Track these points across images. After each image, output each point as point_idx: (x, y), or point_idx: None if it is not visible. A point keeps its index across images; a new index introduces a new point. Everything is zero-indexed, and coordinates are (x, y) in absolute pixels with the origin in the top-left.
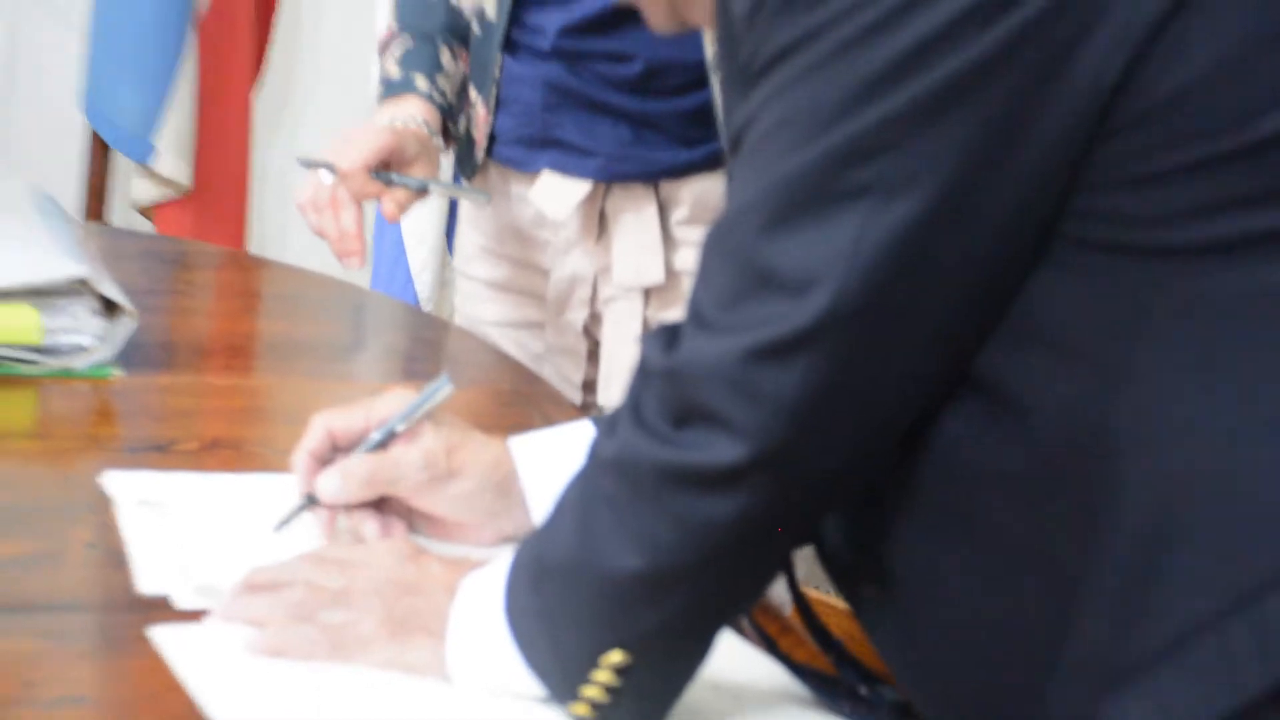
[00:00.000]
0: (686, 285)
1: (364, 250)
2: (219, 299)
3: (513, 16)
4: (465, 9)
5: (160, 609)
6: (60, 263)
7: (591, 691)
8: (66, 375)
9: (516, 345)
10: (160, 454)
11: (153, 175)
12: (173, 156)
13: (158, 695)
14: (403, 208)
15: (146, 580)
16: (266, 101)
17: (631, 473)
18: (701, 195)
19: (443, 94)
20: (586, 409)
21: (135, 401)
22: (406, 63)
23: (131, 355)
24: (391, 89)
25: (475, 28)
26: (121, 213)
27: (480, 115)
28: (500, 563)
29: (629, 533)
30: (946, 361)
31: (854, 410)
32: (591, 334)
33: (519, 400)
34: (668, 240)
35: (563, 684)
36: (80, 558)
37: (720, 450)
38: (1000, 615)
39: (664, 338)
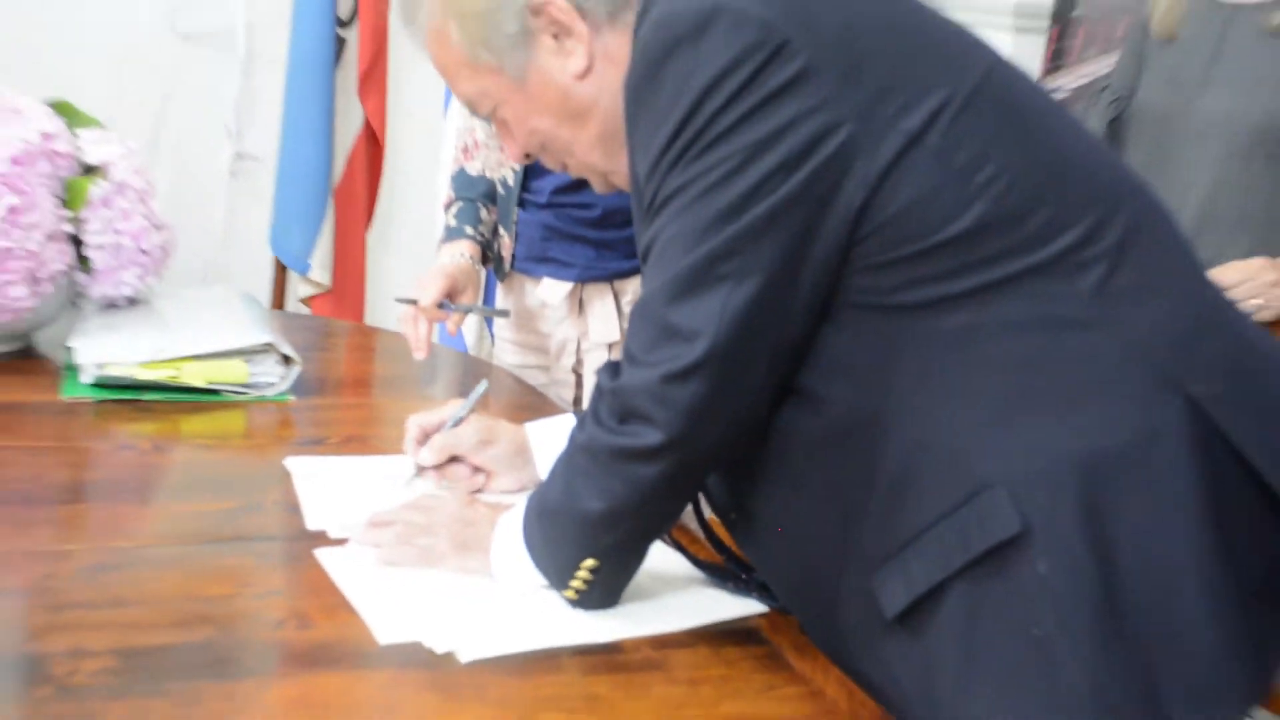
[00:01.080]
0: None
1: (429, 348)
2: (348, 352)
3: (522, 185)
4: (494, 180)
5: (320, 538)
6: (256, 333)
7: (575, 584)
8: (262, 400)
9: (529, 378)
10: (318, 446)
11: (309, 281)
12: (320, 270)
13: (325, 592)
14: (458, 324)
15: (312, 520)
16: (375, 235)
17: (594, 452)
18: (637, 286)
19: (482, 235)
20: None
21: (302, 415)
22: (460, 217)
23: (299, 387)
24: (451, 234)
25: (500, 190)
26: (292, 303)
27: (506, 244)
28: (520, 507)
29: (595, 488)
30: (779, 377)
31: (727, 410)
32: (577, 372)
33: (530, 408)
34: (620, 315)
35: (558, 579)
36: (272, 508)
37: (648, 437)
38: (811, 528)
39: (610, 369)
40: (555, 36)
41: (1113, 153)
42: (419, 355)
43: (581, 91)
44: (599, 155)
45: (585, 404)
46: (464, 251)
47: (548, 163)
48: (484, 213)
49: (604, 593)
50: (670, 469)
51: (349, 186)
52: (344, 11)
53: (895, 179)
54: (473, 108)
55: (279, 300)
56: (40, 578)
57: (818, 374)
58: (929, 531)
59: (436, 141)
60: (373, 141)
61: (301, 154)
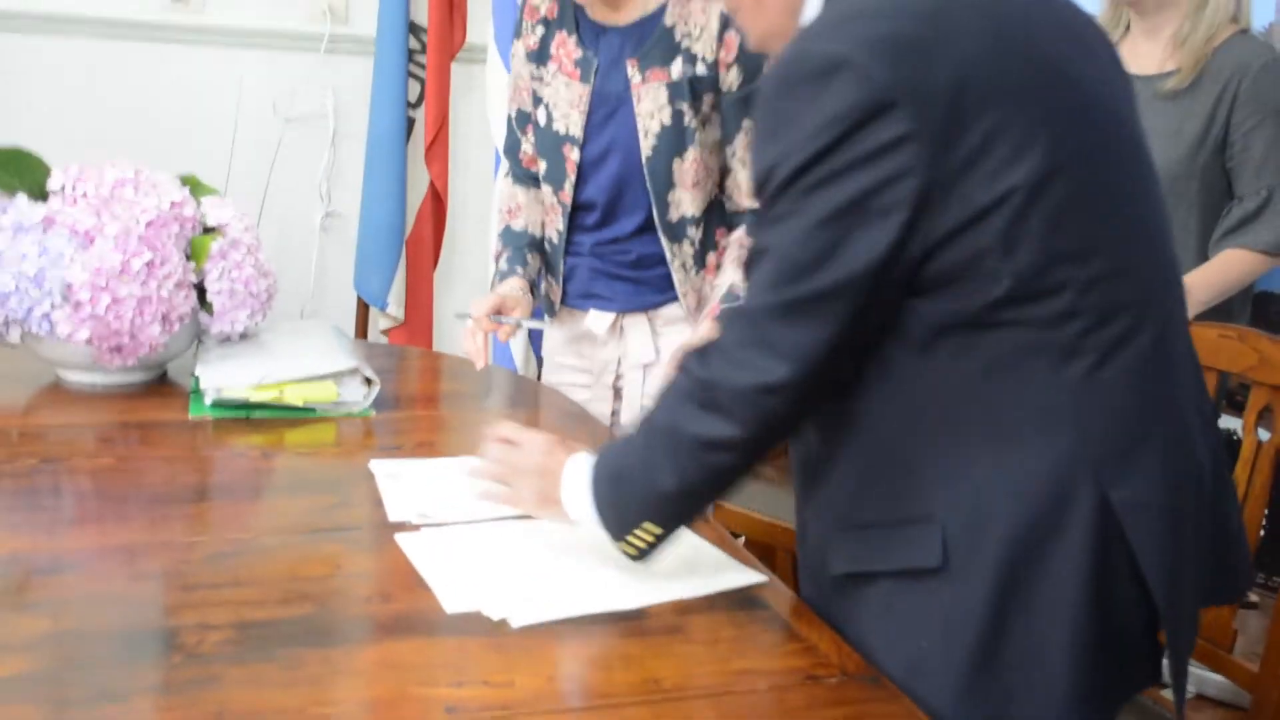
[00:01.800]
0: (665, 360)
1: (486, 357)
2: (419, 373)
3: (568, 239)
4: (535, 234)
5: (400, 527)
6: (343, 360)
7: (636, 541)
8: (349, 415)
9: (573, 394)
10: (396, 450)
11: (386, 315)
12: (395, 305)
13: (403, 571)
14: (509, 334)
15: (393, 512)
16: (440, 275)
17: (677, 435)
18: (668, 315)
19: (529, 274)
20: (611, 427)
21: (382, 426)
22: (510, 262)
23: (379, 403)
24: (502, 276)
25: (547, 245)
26: (373, 334)
27: (555, 290)
28: (585, 462)
29: (672, 467)
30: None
31: (796, 420)
32: (616, 388)
33: (573, 416)
34: (655, 338)
35: (618, 533)
36: (360, 503)
37: (729, 431)
38: (822, 487)
39: (699, 358)
40: None
41: (1168, 240)
42: (479, 364)
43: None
44: (756, 32)
45: (623, 417)
46: (515, 285)
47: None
48: (529, 257)
49: (653, 550)
50: (740, 461)
51: (418, 236)
52: (413, 96)
53: (955, 243)
54: None
55: (362, 331)
56: (173, 564)
57: (847, 390)
58: (875, 528)
59: (488, 199)
60: (437, 199)
61: (379, 211)
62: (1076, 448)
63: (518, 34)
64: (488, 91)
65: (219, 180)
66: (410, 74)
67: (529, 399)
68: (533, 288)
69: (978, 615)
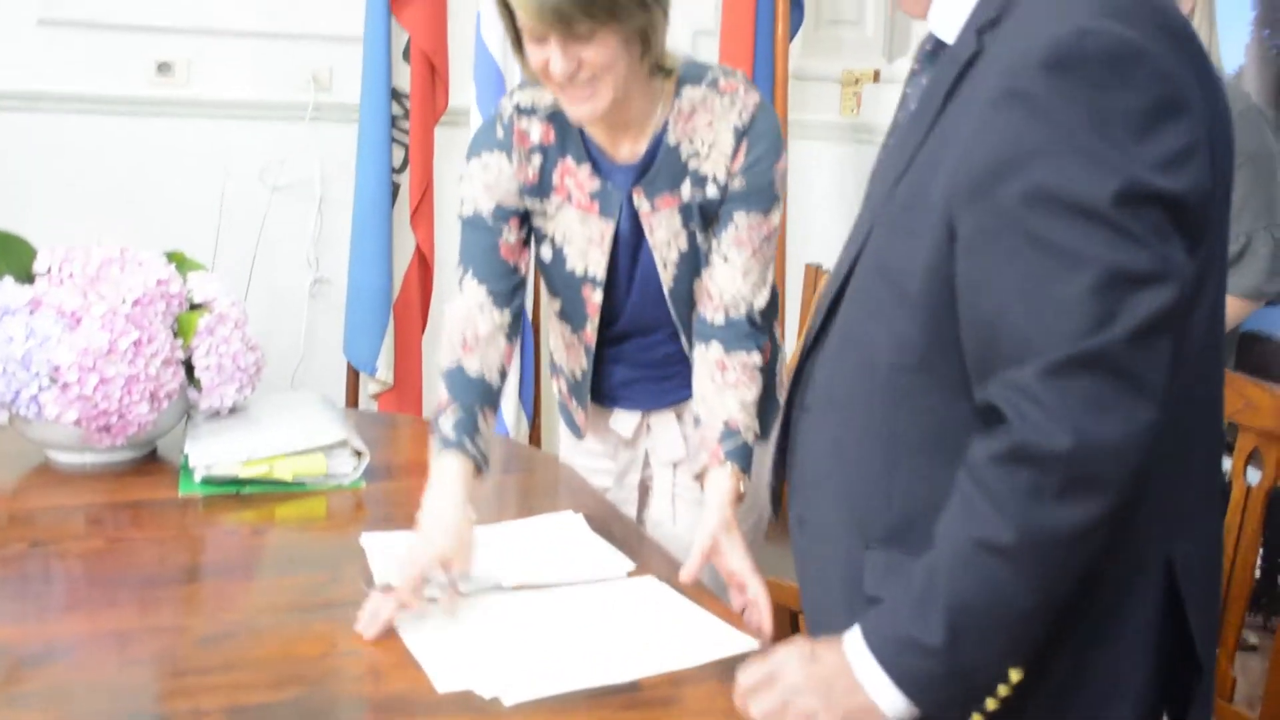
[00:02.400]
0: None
1: (380, 630)
2: (409, 441)
3: (601, 374)
4: (492, 383)
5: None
6: (333, 432)
7: (994, 699)
8: (339, 487)
9: (596, 480)
10: (386, 522)
11: (376, 380)
12: (384, 370)
13: (395, 649)
14: (452, 600)
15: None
16: (429, 339)
17: (1030, 546)
18: (691, 408)
19: (479, 449)
20: (640, 525)
21: (372, 498)
22: (458, 428)
23: (369, 474)
24: (447, 445)
25: (570, 381)
26: (363, 399)
27: (580, 417)
28: (857, 632)
29: (1029, 585)
30: None
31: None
32: (646, 486)
33: (591, 511)
34: (684, 432)
35: (969, 701)
36: (352, 579)
37: (1099, 506)
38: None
39: (1009, 451)
40: None
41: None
42: (368, 635)
43: None
44: None
45: (652, 514)
46: (455, 492)
47: None
48: (482, 422)
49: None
50: (1107, 538)
51: (406, 300)
52: (397, 162)
53: None
54: None
55: (352, 397)
56: (165, 649)
57: None
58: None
59: None
60: (423, 263)
61: (366, 276)
62: (1152, 503)
63: (500, 149)
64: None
65: (207, 249)
66: (394, 140)
67: (522, 464)
68: (479, 465)
69: (1039, 670)
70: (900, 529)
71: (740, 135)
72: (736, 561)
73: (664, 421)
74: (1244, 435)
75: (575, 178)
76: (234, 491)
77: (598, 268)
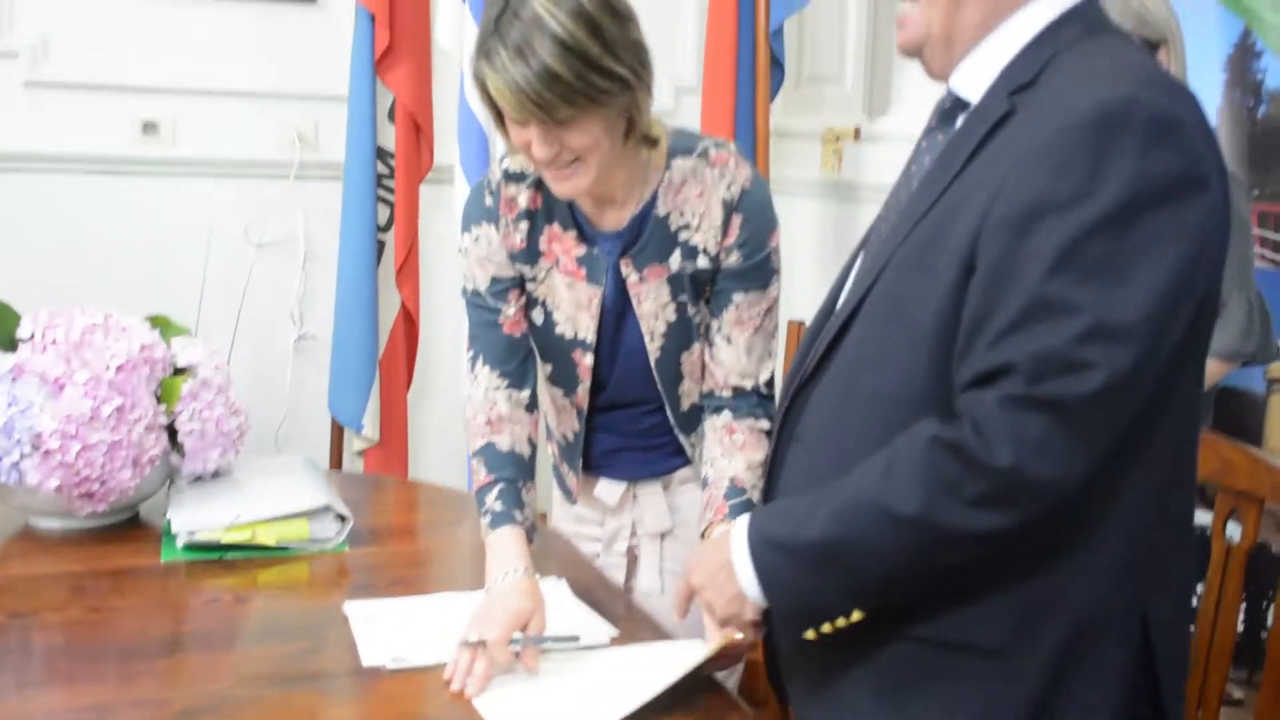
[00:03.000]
0: (680, 528)
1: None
2: (394, 505)
3: (586, 441)
4: (523, 455)
5: (374, 674)
6: (316, 497)
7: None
8: (322, 552)
9: (584, 548)
10: (370, 590)
11: (362, 437)
12: (370, 427)
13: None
14: (534, 659)
15: (367, 657)
16: (414, 395)
17: (930, 528)
18: (682, 476)
19: (528, 518)
20: (627, 594)
21: (356, 563)
22: (504, 501)
23: (352, 538)
24: (498, 520)
25: (562, 442)
26: (348, 455)
27: (573, 481)
28: (743, 539)
29: (909, 557)
30: None
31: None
32: (633, 555)
33: (577, 579)
34: (671, 508)
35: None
36: (333, 648)
37: (1005, 522)
38: None
39: (976, 439)
40: None
41: None
42: (471, 691)
43: None
44: (950, 23)
45: (641, 584)
46: (517, 559)
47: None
48: (524, 493)
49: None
50: (992, 549)
51: (391, 357)
52: (382, 220)
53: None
54: None
55: (337, 453)
56: None
57: None
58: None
59: (460, 318)
60: (409, 320)
61: (352, 333)
62: (1128, 562)
63: (487, 220)
64: (455, 212)
65: (192, 306)
66: (379, 198)
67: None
68: (530, 533)
69: (1021, 704)
70: None
71: (730, 208)
72: None
73: (650, 492)
74: (1223, 496)
75: (562, 243)
76: (217, 557)
77: (587, 332)
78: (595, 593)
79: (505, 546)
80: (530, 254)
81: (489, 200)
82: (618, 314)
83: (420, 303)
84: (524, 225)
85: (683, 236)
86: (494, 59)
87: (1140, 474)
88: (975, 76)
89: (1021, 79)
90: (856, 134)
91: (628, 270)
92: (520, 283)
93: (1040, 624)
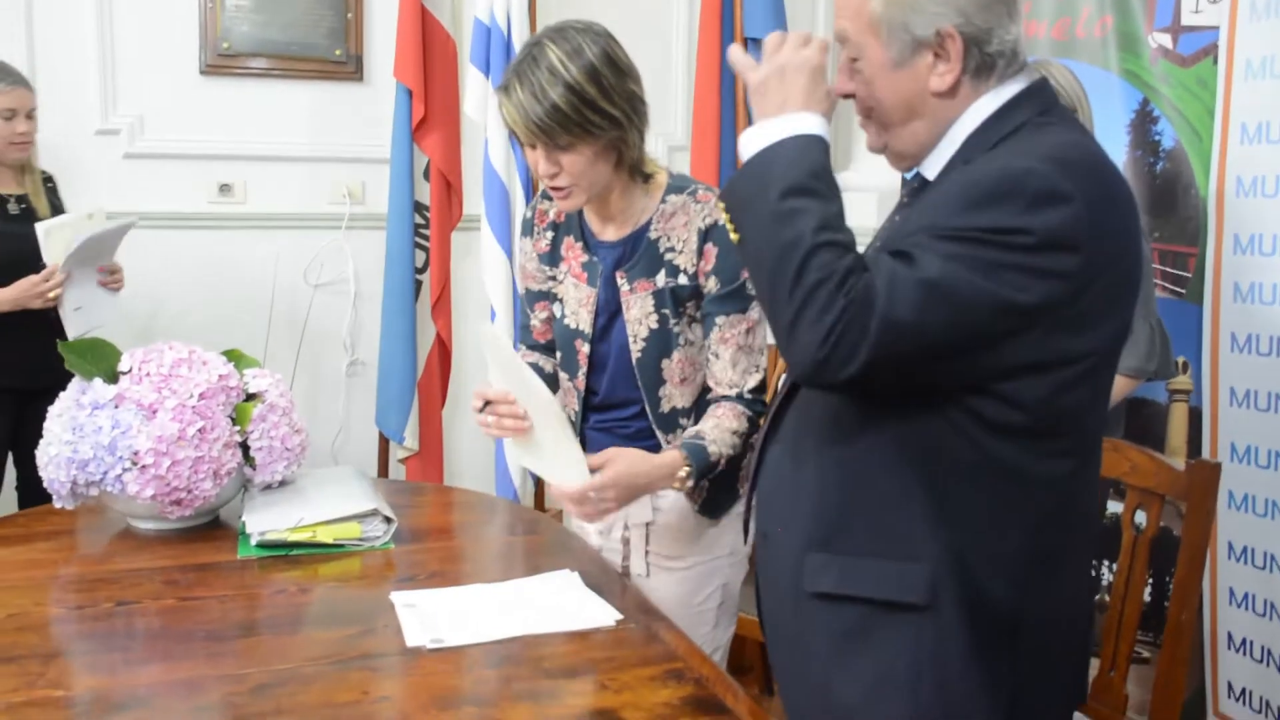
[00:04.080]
0: (663, 519)
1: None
2: (432, 507)
3: (584, 442)
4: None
5: (416, 653)
6: (365, 502)
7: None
8: (372, 549)
9: (590, 539)
10: (413, 581)
11: (403, 448)
12: (411, 439)
13: (420, 695)
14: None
15: (410, 639)
16: (447, 412)
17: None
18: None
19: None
20: (622, 576)
21: (401, 558)
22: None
23: (397, 537)
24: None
25: (571, 416)
26: (393, 463)
27: None
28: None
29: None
30: None
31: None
32: (625, 540)
33: (565, 549)
34: (653, 499)
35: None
36: (383, 631)
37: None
38: (803, 504)
39: (898, 261)
40: (937, 57)
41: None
42: (521, 428)
43: (929, 100)
44: (906, 139)
45: (632, 569)
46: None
47: (864, 120)
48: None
49: None
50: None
51: (428, 380)
52: (419, 263)
53: (1033, 373)
54: (841, 36)
55: (383, 461)
56: (225, 695)
57: None
58: (866, 557)
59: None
60: (443, 348)
61: (395, 359)
62: (1032, 544)
63: (526, 233)
64: (482, 255)
65: (260, 336)
66: (417, 244)
67: (527, 527)
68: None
69: (948, 651)
70: (833, 533)
71: (704, 237)
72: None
73: None
74: (1131, 493)
75: (573, 251)
76: (284, 554)
77: (585, 325)
78: (600, 579)
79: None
80: (553, 257)
81: (528, 214)
82: (610, 315)
83: (453, 333)
84: (550, 234)
85: (668, 257)
86: (512, 95)
87: (1032, 467)
88: (936, 160)
89: (967, 156)
90: None
91: (622, 281)
92: (548, 295)
93: (958, 583)
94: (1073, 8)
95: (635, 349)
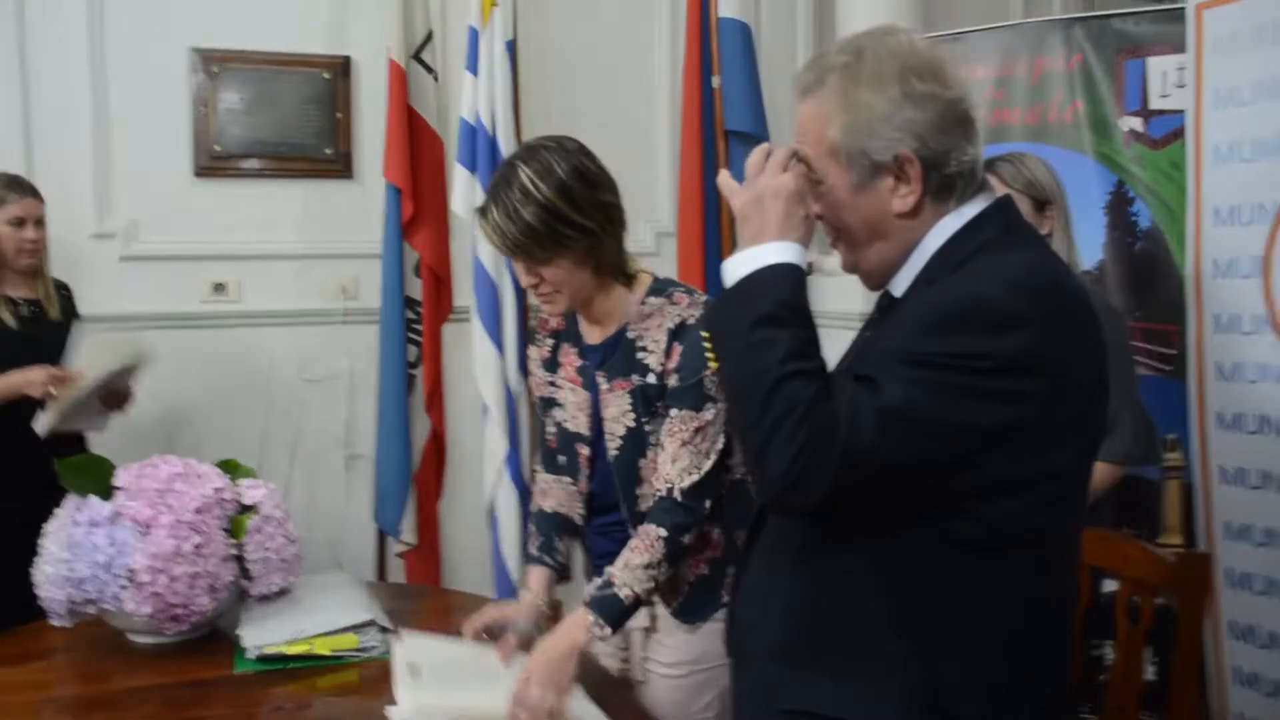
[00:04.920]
0: (662, 628)
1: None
2: (429, 612)
3: (587, 547)
4: (565, 513)
5: None
6: (362, 612)
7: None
8: (369, 659)
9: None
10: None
11: (401, 541)
12: (408, 533)
13: None
14: (508, 652)
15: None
16: (444, 506)
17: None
18: None
19: (556, 561)
20: (623, 680)
21: None
22: (541, 550)
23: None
24: (531, 560)
25: (576, 519)
26: (390, 556)
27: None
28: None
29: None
30: None
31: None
32: (626, 643)
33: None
34: (652, 607)
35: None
36: None
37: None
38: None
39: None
40: (897, 180)
41: None
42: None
43: (892, 222)
44: (873, 259)
45: (635, 673)
46: (532, 584)
47: (834, 241)
48: (558, 543)
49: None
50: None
51: (424, 473)
52: (411, 357)
53: (1000, 492)
54: (804, 161)
55: (381, 554)
56: None
57: None
58: (832, 676)
59: (480, 440)
60: (437, 441)
61: (390, 452)
62: (1004, 666)
63: (531, 342)
64: (473, 348)
65: (255, 433)
66: (409, 339)
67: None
68: (563, 571)
69: None
70: (801, 649)
71: (672, 336)
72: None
73: None
74: (1123, 584)
75: (568, 357)
76: (281, 667)
77: (584, 428)
78: (601, 690)
79: (530, 580)
80: (552, 364)
81: (533, 322)
82: (599, 420)
83: (446, 425)
84: (550, 342)
85: (639, 357)
86: (489, 217)
87: (1005, 582)
88: (903, 278)
89: (930, 277)
90: (810, 268)
91: (601, 380)
92: (554, 402)
93: (918, 709)
94: (1044, 94)
95: (612, 448)
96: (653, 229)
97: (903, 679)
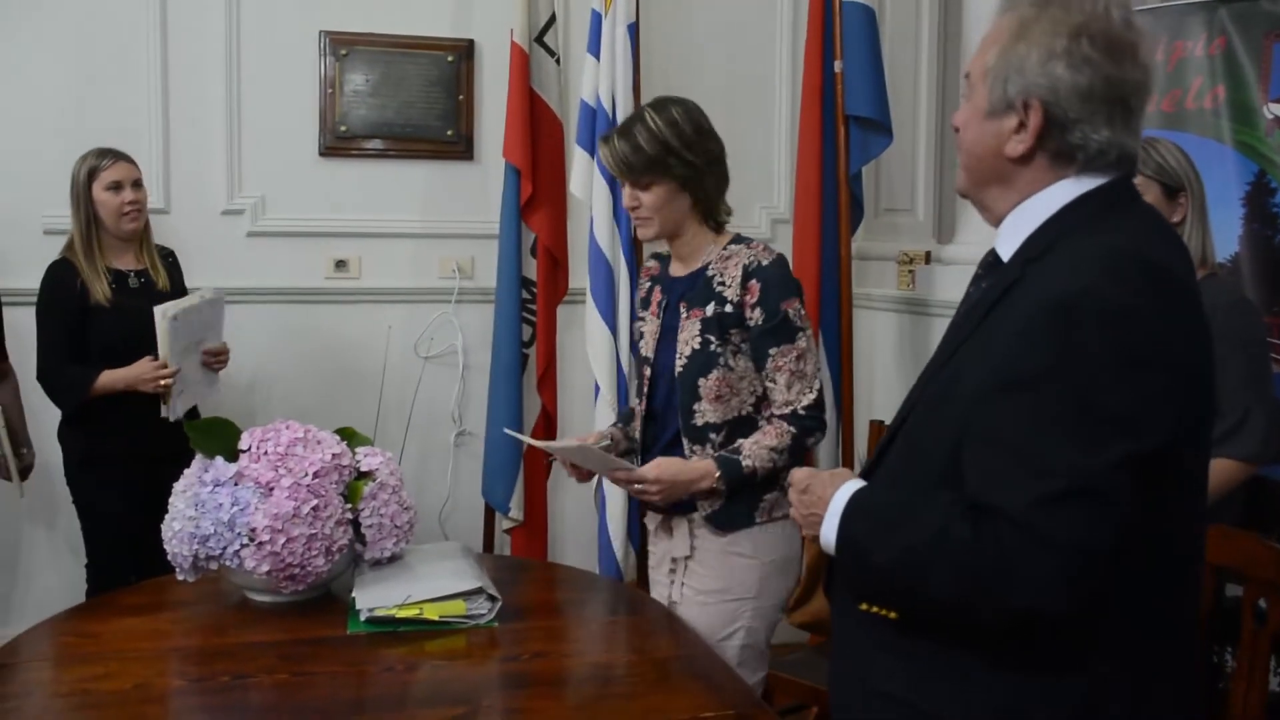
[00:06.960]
0: (697, 555)
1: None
2: (536, 584)
3: (644, 446)
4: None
5: None
6: (471, 580)
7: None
8: (476, 627)
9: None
10: (515, 662)
11: (509, 519)
12: (516, 509)
13: None
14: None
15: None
16: (552, 485)
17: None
18: (698, 520)
19: (629, 436)
20: (669, 612)
21: (505, 636)
22: (622, 420)
23: (502, 614)
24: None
25: (637, 431)
26: (498, 533)
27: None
28: (844, 499)
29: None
30: None
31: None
32: (670, 574)
33: (663, 625)
34: (691, 538)
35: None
36: (485, 712)
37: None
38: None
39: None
40: (1020, 125)
41: None
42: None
43: (1000, 163)
44: (983, 195)
45: (671, 596)
46: (606, 430)
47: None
48: (628, 419)
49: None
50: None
51: (534, 451)
52: (526, 337)
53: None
54: (968, 74)
55: (489, 531)
56: None
57: None
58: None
59: (590, 419)
60: (548, 420)
61: (502, 431)
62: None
63: (639, 289)
64: (587, 328)
65: (372, 407)
66: (524, 319)
67: (630, 607)
68: (627, 434)
69: None
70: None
71: (747, 273)
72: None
73: (679, 525)
74: (1249, 586)
75: (654, 295)
76: (391, 630)
77: (650, 351)
78: (706, 667)
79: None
80: (646, 302)
81: (643, 270)
82: (669, 340)
83: (558, 405)
84: (648, 284)
85: (717, 289)
86: (610, 141)
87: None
88: (1008, 239)
89: (1033, 253)
90: (927, 257)
91: (683, 309)
92: (642, 334)
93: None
94: (1181, 80)
95: (679, 365)
96: (769, 215)
97: (993, 692)
